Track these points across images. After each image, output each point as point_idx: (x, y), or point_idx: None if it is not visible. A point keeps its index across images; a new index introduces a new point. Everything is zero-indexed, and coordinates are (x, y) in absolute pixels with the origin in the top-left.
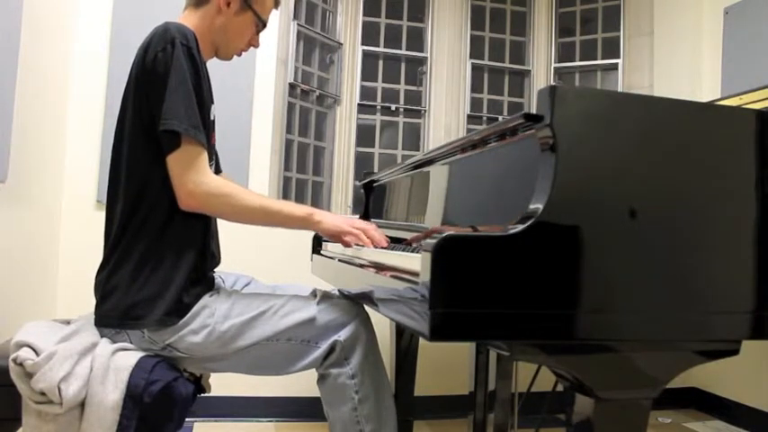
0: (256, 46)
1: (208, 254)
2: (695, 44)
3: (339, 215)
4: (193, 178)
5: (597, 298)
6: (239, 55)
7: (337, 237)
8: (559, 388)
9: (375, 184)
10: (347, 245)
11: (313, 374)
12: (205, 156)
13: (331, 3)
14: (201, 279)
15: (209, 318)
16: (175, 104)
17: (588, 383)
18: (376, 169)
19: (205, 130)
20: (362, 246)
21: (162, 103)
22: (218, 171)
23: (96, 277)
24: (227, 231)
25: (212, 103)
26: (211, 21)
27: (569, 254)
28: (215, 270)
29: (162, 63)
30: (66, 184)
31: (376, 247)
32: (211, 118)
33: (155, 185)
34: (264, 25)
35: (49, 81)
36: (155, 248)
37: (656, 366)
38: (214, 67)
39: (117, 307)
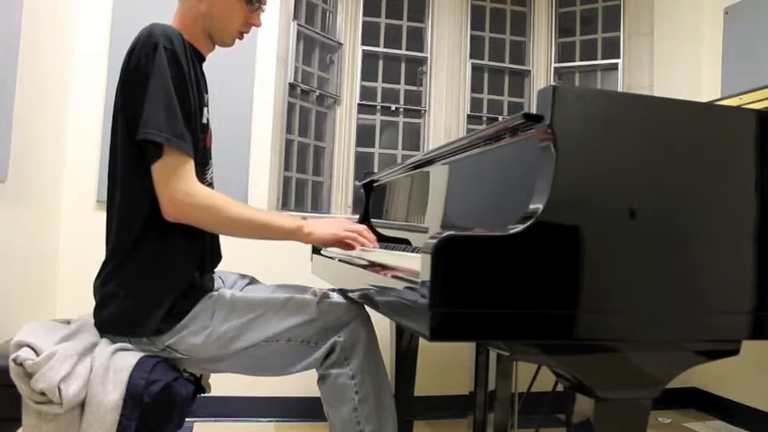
0: (257, 25)
1: (206, 259)
2: (695, 44)
3: (329, 221)
4: (177, 187)
5: (597, 298)
6: (240, 38)
7: (333, 243)
8: (559, 388)
9: (375, 184)
10: (348, 247)
11: (313, 374)
12: (190, 165)
13: (331, 3)
14: (200, 283)
15: (209, 319)
16: (155, 113)
17: (588, 383)
18: (376, 169)
19: (194, 135)
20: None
21: (142, 111)
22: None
23: (95, 281)
24: None
25: (205, 105)
26: (196, 9)
27: (569, 254)
28: (215, 270)
29: (144, 69)
30: (66, 184)
31: (374, 248)
32: (204, 121)
33: (151, 193)
34: (253, 2)
35: (49, 81)
36: (152, 256)
37: (656, 366)
38: (213, 66)
39: (114, 315)
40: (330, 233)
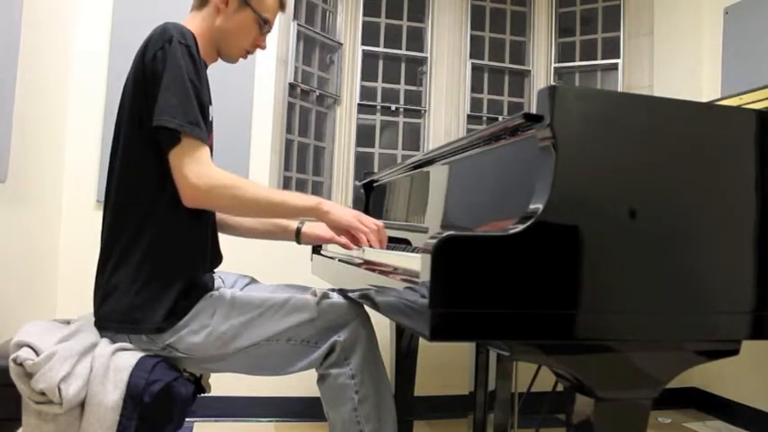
0: (263, 47)
1: (207, 256)
2: (695, 44)
3: (347, 208)
4: (196, 171)
5: (597, 298)
6: (245, 57)
7: (344, 230)
8: (559, 388)
9: (375, 184)
10: (347, 247)
11: (313, 374)
12: (206, 149)
13: (331, 3)
14: (200, 281)
15: (209, 318)
16: (170, 100)
17: (588, 383)
18: (376, 169)
19: (207, 127)
20: (363, 247)
21: (156, 99)
22: None
23: (95, 280)
24: None
25: (210, 104)
26: (212, 22)
27: (569, 254)
28: (215, 270)
29: (160, 61)
30: (66, 184)
31: (380, 248)
32: (209, 119)
33: (150, 187)
34: (267, 23)
35: (49, 81)
36: (152, 252)
37: (656, 366)
38: (213, 67)
39: (115, 312)
40: (347, 220)
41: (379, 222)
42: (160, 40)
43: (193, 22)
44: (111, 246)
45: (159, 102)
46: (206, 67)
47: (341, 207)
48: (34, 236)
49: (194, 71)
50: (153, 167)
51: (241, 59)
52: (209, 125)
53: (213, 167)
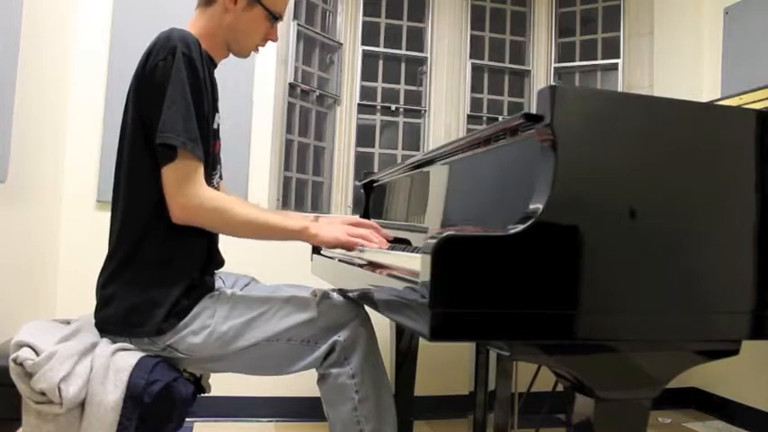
0: (275, 40)
1: (207, 259)
2: (695, 44)
3: (336, 222)
4: (186, 191)
5: (597, 298)
6: (256, 51)
7: (339, 246)
8: (559, 388)
9: (375, 184)
10: (350, 249)
11: (313, 374)
12: (201, 170)
13: (331, 3)
14: (201, 282)
15: (210, 319)
16: (173, 117)
17: (588, 383)
18: (376, 169)
19: (206, 140)
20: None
21: (160, 115)
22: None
23: (97, 281)
24: None
25: (217, 111)
26: (220, 20)
27: (569, 254)
28: (215, 271)
29: (162, 73)
30: (67, 184)
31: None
32: (215, 126)
33: (155, 194)
34: (278, 17)
35: (49, 81)
36: (154, 256)
37: (656, 366)
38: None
39: (116, 315)
40: (336, 238)
41: (373, 223)
42: (163, 51)
43: (200, 21)
44: (116, 249)
45: (163, 118)
46: (215, 65)
47: (329, 226)
48: (34, 236)
49: (196, 84)
50: (156, 175)
51: (253, 53)
52: (214, 133)
53: (204, 188)
